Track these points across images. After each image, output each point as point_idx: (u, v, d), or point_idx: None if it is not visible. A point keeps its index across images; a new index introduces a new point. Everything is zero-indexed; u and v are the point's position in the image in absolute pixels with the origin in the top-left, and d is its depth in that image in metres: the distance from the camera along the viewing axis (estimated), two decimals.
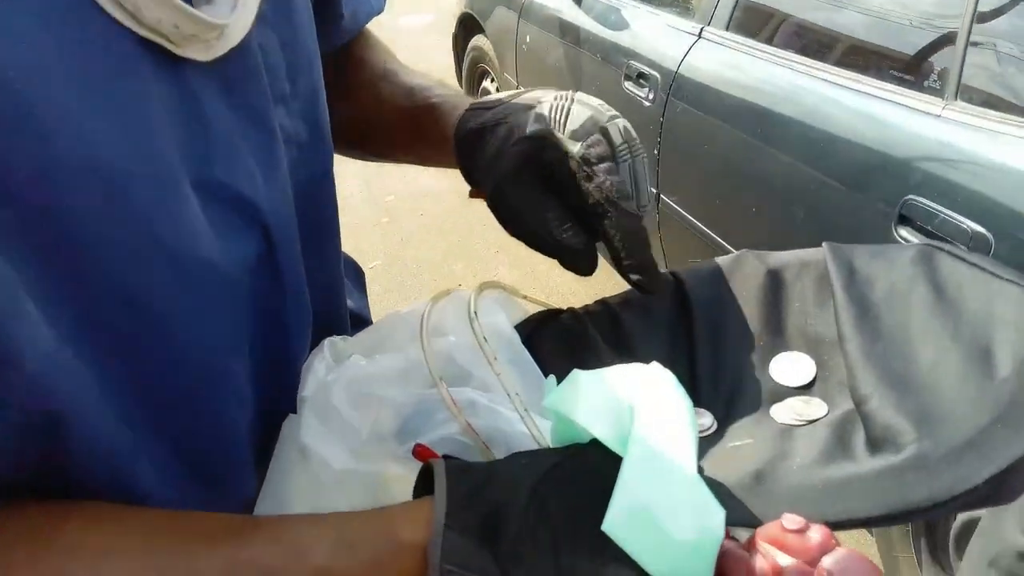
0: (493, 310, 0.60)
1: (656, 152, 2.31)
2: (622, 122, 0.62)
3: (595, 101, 0.63)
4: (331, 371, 0.56)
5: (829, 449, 0.52)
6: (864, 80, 1.68)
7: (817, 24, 1.98)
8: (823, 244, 0.67)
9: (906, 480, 0.46)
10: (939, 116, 1.49)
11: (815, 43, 1.93)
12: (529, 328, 0.65)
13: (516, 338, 0.58)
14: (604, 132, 0.60)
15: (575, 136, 0.61)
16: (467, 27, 4.02)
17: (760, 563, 0.41)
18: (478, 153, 0.67)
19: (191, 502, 0.50)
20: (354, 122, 0.77)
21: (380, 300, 2.93)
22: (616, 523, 0.40)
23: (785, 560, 0.40)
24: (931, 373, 0.53)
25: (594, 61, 2.73)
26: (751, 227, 1.99)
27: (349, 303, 0.75)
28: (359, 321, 0.80)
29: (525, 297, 0.69)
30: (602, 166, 0.59)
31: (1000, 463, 0.45)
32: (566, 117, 0.61)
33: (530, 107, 0.64)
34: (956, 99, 1.47)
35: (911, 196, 1.47)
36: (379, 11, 0.79)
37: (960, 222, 1.38)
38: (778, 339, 0.63)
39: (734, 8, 2.16)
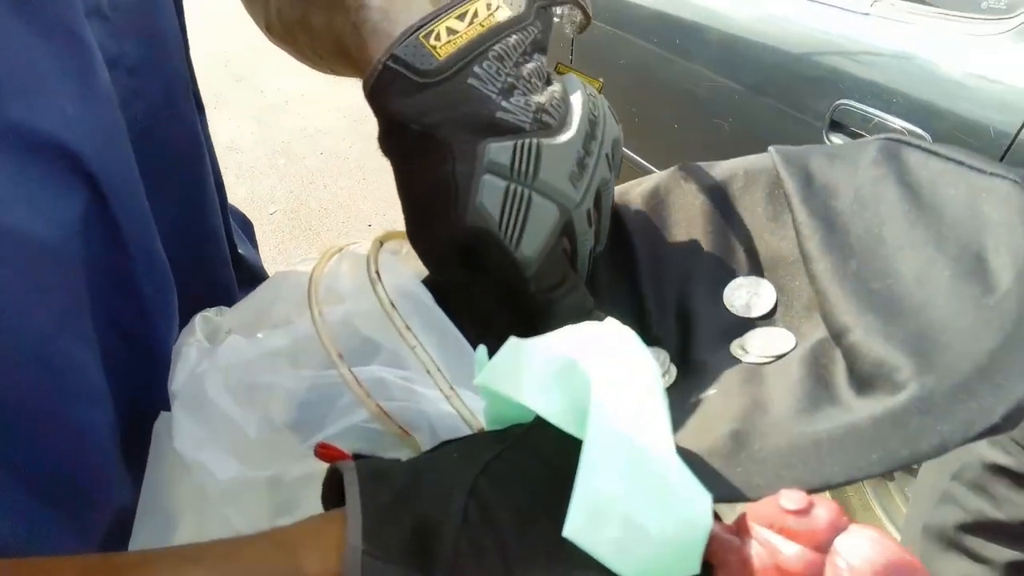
0: (398, 267, 0.48)
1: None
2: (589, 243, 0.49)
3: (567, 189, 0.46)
4: (204, 357, 0.44)
5: (809, 392, 0.44)
6: None
7: None
8: (770, 149, 0.57)
9: (911, 424, 0.38)
10: (867, 15, 1.41)
11: None
12: (438, 283, 0.54)
13: (429, 299, 0.47)
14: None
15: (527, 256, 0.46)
16: None
17: (757, 553, 0.32)
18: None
19: (43, 530, 0.40)
20: None
21: (286, 249, 2.75)
22: (579, 527, 0.30)
23: (788, 548, 0.31)
24: (919, 291, 0.45)
25: None
26: (674, 144, 1.90)
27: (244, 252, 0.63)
28: (255, 281, 0.67)
29: None
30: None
31: (1017, 393, 0.37)
32: (522, 223, 0.45)
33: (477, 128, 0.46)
34: None
35: (842, 101, 1.40)
36: None
37: (895, 123, 1.31)
38: (730, 262, 0.55)
39: None
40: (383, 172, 3.38)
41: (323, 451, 0.39)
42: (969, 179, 0.49)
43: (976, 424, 0.37)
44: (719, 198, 0.56)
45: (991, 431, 0.36)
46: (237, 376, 0.43)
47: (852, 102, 1.38)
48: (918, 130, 1.28)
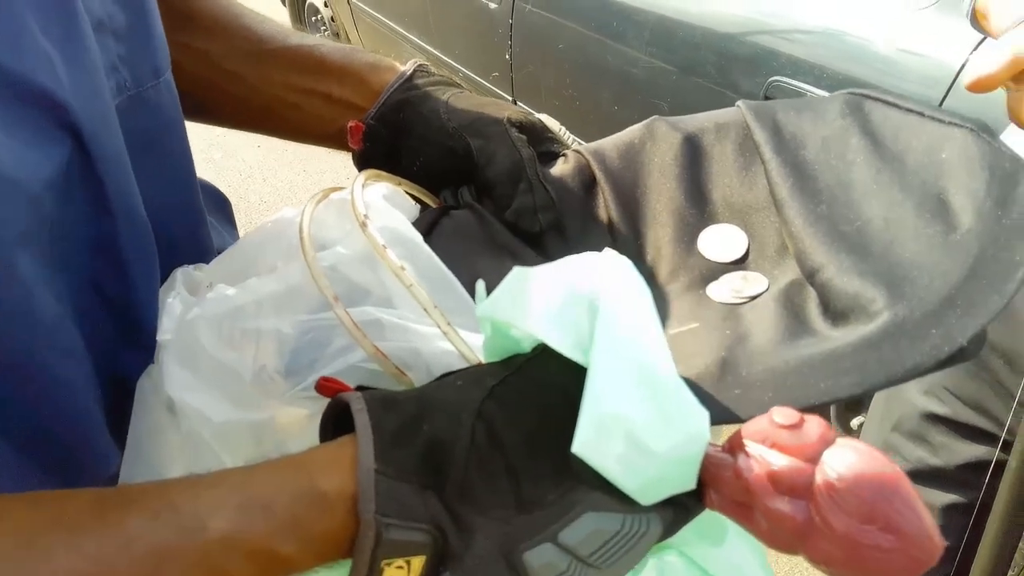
0: (385, 209, 0.49)
1: (508, 57, 2.20)
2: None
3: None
4: (191, 307, 0.44)
5: (787, 325, 0.46)
6: None
7: None
8: (739, 103, 0.60)
9: (886, 348, 0.41)
10: None
11: None
12: (422, 229, 0.55)
13: (420, 240, 0.48)
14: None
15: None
16: None
17: (749, 466, 0.34)
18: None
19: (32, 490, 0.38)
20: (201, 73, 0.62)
21: None
22: (588, 442, 0.32)
23: (780, 460, 0.33)
24: (886, 231, 0.48)
25: None
26: (612, 125, 1.93)
27: (213, 238, 0.62)
28: None
29: (411, 194, 0.58)
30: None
31: (983, 318, 0.40)
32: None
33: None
34: None
35: (775, 78, 1.45)
36: None
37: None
38: (704, 212, 0.57)
39: None
40: (324, 161, 3.35)
41: (325, 383, 0.39)
42: (928, 128, 0.52)
43: (944, 347, 0.39)
44: (692, 149, 0.58)
45: (958, 355, 0.40)
46: (227, 323, 0.43)
47: (785, 78, 1.44)
48: None
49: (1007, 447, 0.91)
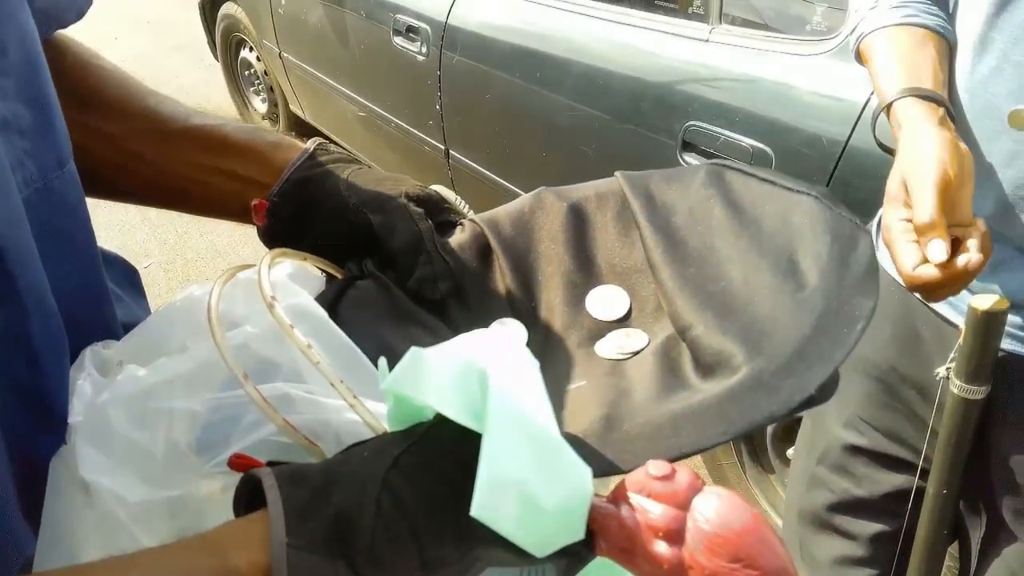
0: (291, 288, 0.51)
1: (438, 107, 2.24)
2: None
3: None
4: (101, 390, 0.45)
5: (663, 379, 0.51)
6: (634, 13, 1.71)
7: None
8: (616, 174, 0.65)
9: (746, 400, 0.45)
10: (707, 41, 1.53)
11: None
12: (328, 300, 0.58)
13: (325, 317, 0.50)
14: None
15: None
16: None
17: (630, 515, 0.38)
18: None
19: None
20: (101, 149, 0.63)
21: (164, 302, 2.67)
22: (484, 505, 0.35)
23: (656, 508, 0.37)
24: (745, 291, 0.53)
25: (359, 19, 2.60)
26: (541, 171, 1.99)
27: (119, 312, 0.63)
28: None
29: (318, 267, 0.61)
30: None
31: (827, 369, 0.45)
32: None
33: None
34: (720, 22, 1.52)
35: (692, 122, 1.51)
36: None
37: (740, 141, 1.43)
38: (590, 274, 0.62)
39: None
40: None
41: (237, 461, 0.41)
42: (781, 197, 0.58)
43: (796, 396, 0.44)
44: (577, 217, 0.64)
45: (808, 402, 0.44)
46: (138, 403, 0.44)
47: (701, 123, 1.50)
48: (760, 145, 1.40)
49: (925, 475, 0.95)
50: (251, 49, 3.63)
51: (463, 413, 0.37)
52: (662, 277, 0.56)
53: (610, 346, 0.56)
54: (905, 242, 0.70)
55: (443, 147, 2.32)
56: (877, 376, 1.00)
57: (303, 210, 0.62)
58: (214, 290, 0.48)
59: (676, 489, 0.37)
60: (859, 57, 0.90)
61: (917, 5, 0.85)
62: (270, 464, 0.39)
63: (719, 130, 1.46)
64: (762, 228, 0.57)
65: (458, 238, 0.63)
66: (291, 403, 0.44)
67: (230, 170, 0.64)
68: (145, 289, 0.75)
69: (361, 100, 2.73)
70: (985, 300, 0.76)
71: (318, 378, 0.46)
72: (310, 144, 0.65)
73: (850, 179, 1.30)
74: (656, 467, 0.38)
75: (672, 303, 0.55)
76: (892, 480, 1.03)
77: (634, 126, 1.66)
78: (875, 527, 1.08)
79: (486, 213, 0.65)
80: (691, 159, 1.52)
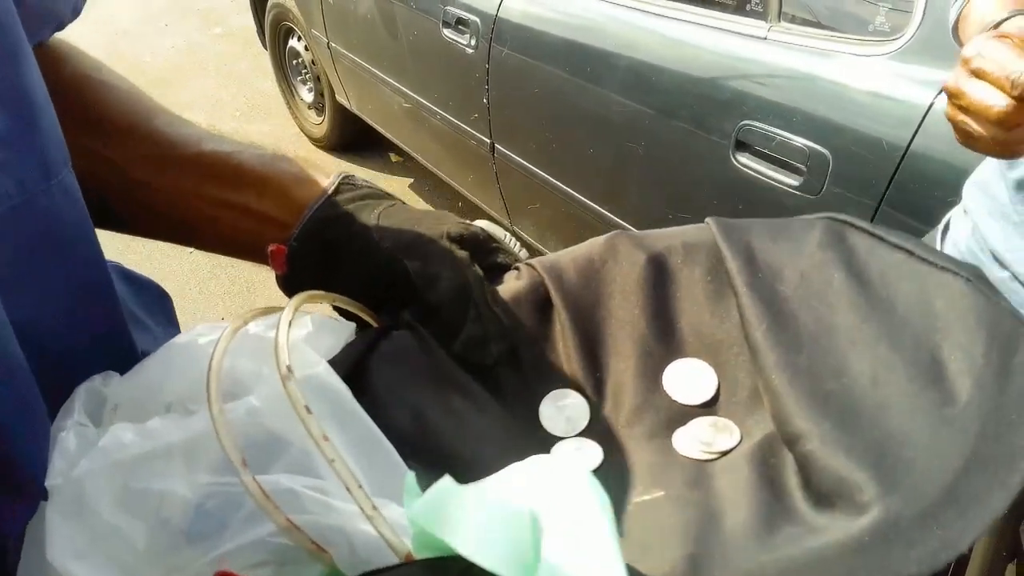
0: (308, 357, 0.44)
1: (485, 100, 2.19)
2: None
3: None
4: (85, 451, 0.40)
5: (764, 503, 0.41)
6: (688, 8, 1.63)
7: None
8: (708, 221, 0.55)
9: (877, 554, 0.36)
10: (765, 39, 1.45)
11: None
12: (358, 352, 0.49)
13: (347, 396, 0.43)
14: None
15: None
16: None
17: None
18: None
19: None
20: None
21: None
22: None
23: None
24: (875, 394, 0.43)
25: (408, 10, 2.56)
26: (589, 167, 1.93)
27: (144, 341, 0.57)
28: None
29: (346, 310, 0.53)
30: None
31: (984, 519, 0.36)
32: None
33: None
34: (779, 20, 1.44)
35: (746, 121, 1.44)
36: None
37: (797, 142, 1.35)
38: (670, 344, 0.51)
39: None
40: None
41: None
42: (920, 272, 0.48)
43: (942, 554, 0.35)
44: (657, 271, 0.53)
45: (951, 568, 0.36)
46: (123, 478, 0.39)
47: (755, 122, 1.42)
48: (818, 147, 1.32)
49: None
50: (299, 38, 3.62)
51: (510, 567, 0.29)
52: (765, 363, 0.46)
53: (692, 440, 0.47)
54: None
55: (489, 141, 2.27)
56: None
57: (328, 254, 0.55)
58: (217, 348, 0.42)
59: None
60: (955, 33, 0.82)
61: None
62: None
63: (775, 130, 1.38)
64: (895, 311, 0.46)
65: (512, 287, 0.54)
66: (298, 500, 0.38)
67: (243, 204, 0.57)
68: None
69: (408, 91, 2.69)
70: None
71: (331, 472, 0.39)
72: (333, 179, 0.57)
73: (910, 184, 1.21)
74: None
75: (778, 401, 0.44)
76: None
77: (686, 124, 1.59)
78: None
79: (547, 257, 0.56)
80: (744, 159, 1.45)
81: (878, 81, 1.27)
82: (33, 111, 0.45)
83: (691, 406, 0.49)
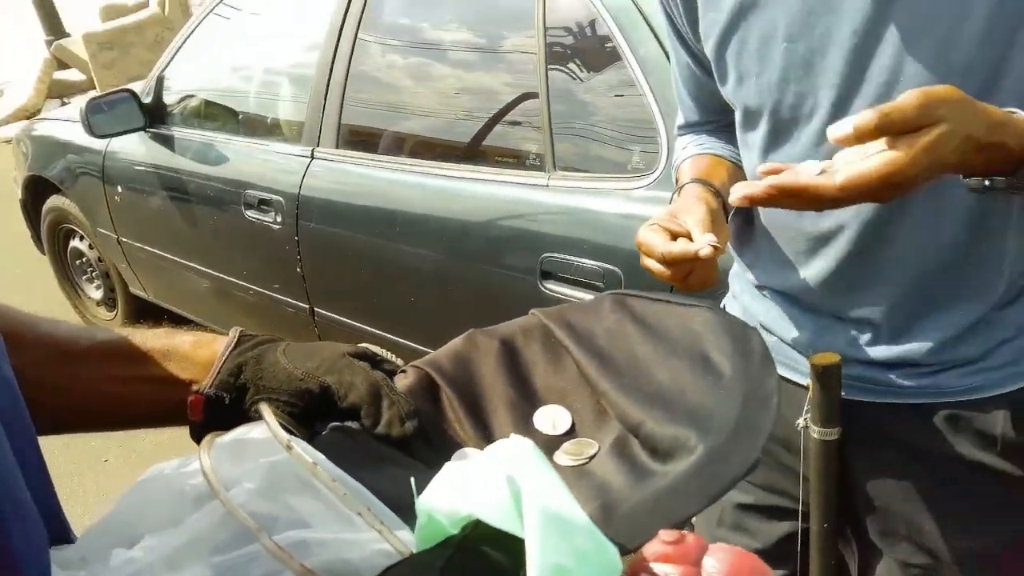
0: (272, 445, 0.53)
1: (298, 269, 2.33)
2: None
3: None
4: None
5: (630, 470, 0.59)
6: (477, 168, 1.93)
7: (430, 134, 2.21)
8: (533, 311, 0.77)
9: (711, 470, 0.55)
10: (547, 186, 1.77)
11: (432, 147, 2.16)
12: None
13: (323, 457, 0.54)
14: None
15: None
16: (37, 190, 3.67)
17: None
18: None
19: None
20: None
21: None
22: None
23: (673, 571, 0.43)
24: (676, 387, 0.64)
25: (204, 199, 2.67)
26: (415, 317, 2.12)
27: None
28: None
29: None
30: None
31: (763, 436, 0.57)
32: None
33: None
34: (555, 169, 1.77)
35: (547, 254, 1.71)
36: None
37: (592, 265, 1.64)
38: (531, 399, 0.70)
39: (338, 128, 2.27)
40: None
41: None
42: (678, 311, 0.71)
43: (747, 460, 0.54)
44: (509, 351, 0.73)
45: (755, 465, 0.55)
46: None
47: (554, 253, 1.70)
48: (610, 267, 1.62)
49: (807, 517, 1.11)
50: (82, 238, 3.58)
51: (502, 518, 0.43)
52: (603, 388, 0.65)
53: (565, 456, 0.64)
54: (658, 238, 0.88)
55: (307, 306, 2.41)
56: None
57: (242, 394, 0.63)
58: (202, 456, 0.51)
59: (687, 551, 0.43)
60: (677, 182, 1.15)
61: (713, 142, 1.12)
62: None
63: (572, 258, 1.67)
64: (671, 336, 0.69)
65: (405, 383, 0.70)
66: (307, 547, 0.47)
67: (147, 375, 0.64)
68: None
69: (215, 274, 2.75)
70: (822, 358, 0.95)
71: (321, 521, 0.50)
72: (233, 333, 0.66)
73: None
74: (667, 535, 0.44)
75: (618, 407, 0.64)
76: (780, 528, 1.18)
77: (495, 265, 1.85)
78: (778, 574, 1.23)
79: (425, 358, 0.73)
80: (552, 285, 1.72)
81: (641, 206, 1.60)
82: None
83: (558, 436, 0.67)
